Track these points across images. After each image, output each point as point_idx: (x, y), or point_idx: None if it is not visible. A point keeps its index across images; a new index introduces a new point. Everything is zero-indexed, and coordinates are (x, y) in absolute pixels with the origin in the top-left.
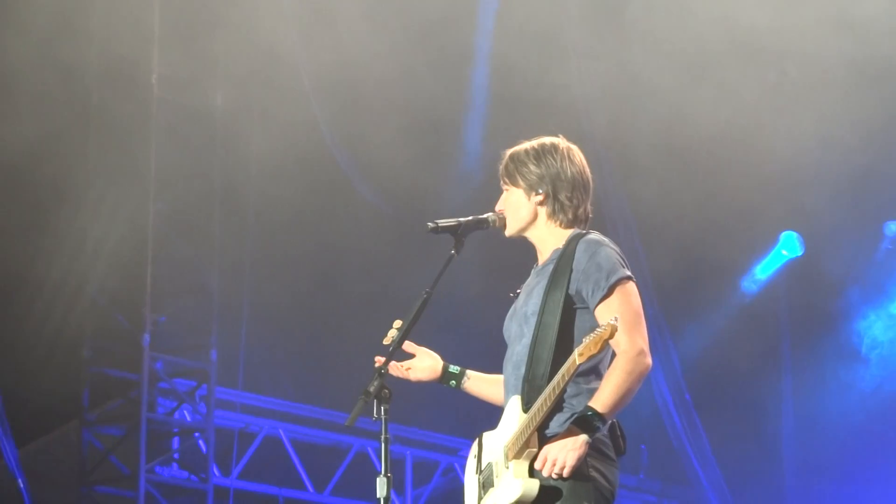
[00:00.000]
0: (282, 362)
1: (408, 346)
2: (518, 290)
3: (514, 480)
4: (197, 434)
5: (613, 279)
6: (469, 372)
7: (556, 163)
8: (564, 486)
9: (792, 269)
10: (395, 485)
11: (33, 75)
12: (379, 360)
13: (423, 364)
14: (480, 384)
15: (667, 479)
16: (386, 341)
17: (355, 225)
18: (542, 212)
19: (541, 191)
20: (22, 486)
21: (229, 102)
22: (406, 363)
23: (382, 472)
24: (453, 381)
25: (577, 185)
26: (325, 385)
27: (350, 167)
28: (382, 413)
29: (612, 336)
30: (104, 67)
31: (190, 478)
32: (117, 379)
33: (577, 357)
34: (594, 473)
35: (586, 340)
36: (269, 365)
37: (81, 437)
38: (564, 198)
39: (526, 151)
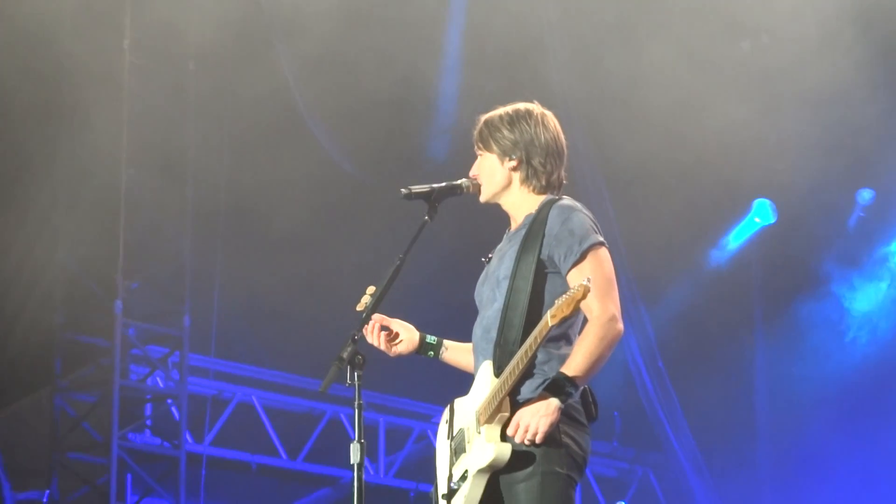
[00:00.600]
0: (255, 329)
1: (382, 319)
2: (490, 255)
3: (486, 445)
4: (170, 401)
5: (586, 245)
6: (446, 342)
7: (530, 129)
8: (537, 452)
9: (764, 237)
10: (368, 451)
11: (2, 40)
12: (377, 316)
13: (401, 337)
14: (458, 354)
15: (640, 446)
16: (359, 308)
17: (328, 192)
18: (516, 177)
19: (514, 156)
20: None
21: (202, 69)
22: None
23: (356, 438)
24: (431, 352)
25: (551, 151)
26: (298, 352)
27: (323, 135)
28: (356, 379)
29: (584, 297)
30: (75, 32)
31: (163, 444)
32: (89, 345)
33: (549, 319)
34: (566, 440)
35: (558, 302)
36: (242, 332)
37: (53, 404)
38: (538, 163)
39: (500, 117)
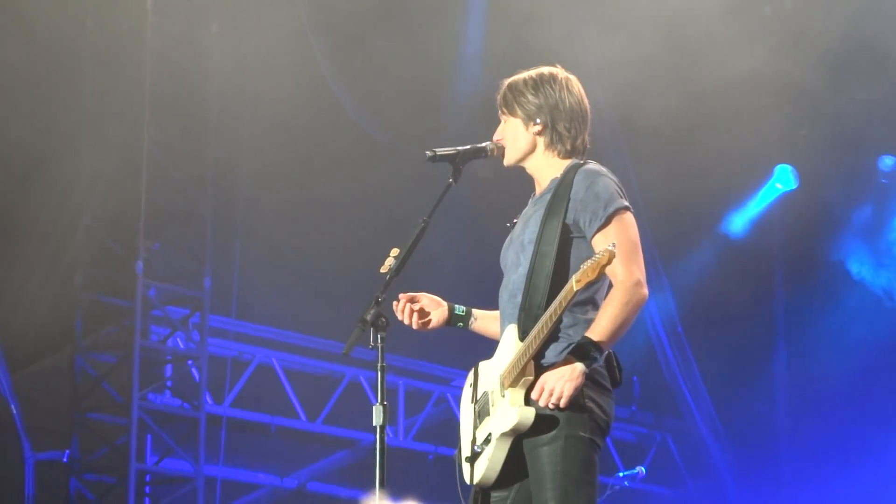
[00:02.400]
0: (275, 291)
1: (411, 297)
2: (515, 220)
3: (510, 408)
4: (190, 362)
5: (611, 209)
6: (475, 311)
7: (555, 93)
8: (561, 416)
9: (786, 203)
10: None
11: (24, 4)
12: (404, 295)
13: (432, 314)
14: (487, 322)
15: (659, 411)
16: (383, 270)
17: (352, 154)
18: (540, 142)
19: (539, 121)
20: (15, 411)
21: (225, 30)
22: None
23: (378, 400)
24: (461, 323)
25: (576, 116)
26: (318, 314)
27: (346, 97)
28: (379, 341)
29: (609, 262)
30: None
31: (183, 405)
32: (111, 306)
33: (574, 284)
34: (590, 404)
35: (584, 267)
36: (263, 293)
37: (74, 364)
38: (562, 128)
39: (524, 81)
